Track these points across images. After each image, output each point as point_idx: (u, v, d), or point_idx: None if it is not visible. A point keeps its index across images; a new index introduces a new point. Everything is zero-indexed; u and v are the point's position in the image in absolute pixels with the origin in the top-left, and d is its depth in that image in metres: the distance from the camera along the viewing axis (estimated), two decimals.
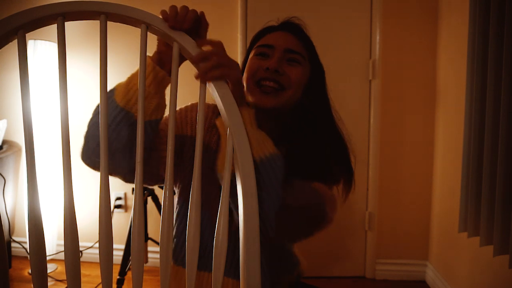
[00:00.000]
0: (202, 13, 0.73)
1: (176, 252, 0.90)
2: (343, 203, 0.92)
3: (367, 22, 2.25)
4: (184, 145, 0.89)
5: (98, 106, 0.74)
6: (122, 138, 0.73)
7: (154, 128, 0.78)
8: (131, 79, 0.76)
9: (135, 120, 0.73)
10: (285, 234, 0.80)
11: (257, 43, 0.94)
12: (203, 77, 0.66)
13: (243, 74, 0.92)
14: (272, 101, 0.86)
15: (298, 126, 0.90)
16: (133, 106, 0.74)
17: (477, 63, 1.42)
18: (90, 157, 0.76)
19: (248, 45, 0.99)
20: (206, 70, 0.66)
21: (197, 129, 0.64)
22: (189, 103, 0.95)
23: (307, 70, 0.92)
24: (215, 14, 2.37)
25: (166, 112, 0.86)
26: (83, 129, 0.77)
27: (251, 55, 0.93)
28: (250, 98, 0.87)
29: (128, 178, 0.79)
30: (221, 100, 0.66)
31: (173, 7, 0.68)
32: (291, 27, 0.95)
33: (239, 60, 2.33)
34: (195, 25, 0.70)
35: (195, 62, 0.67)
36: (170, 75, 0.76)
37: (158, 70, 0.75)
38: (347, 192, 0.93)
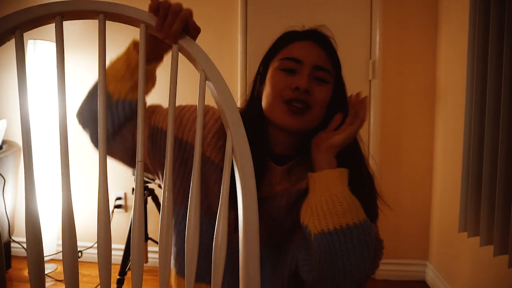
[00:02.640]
0: (191, 20, 0.67)
1: (177, 262, 0.87)
2: None
3: (367, 22, 2.25)
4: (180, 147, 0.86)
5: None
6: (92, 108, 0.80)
7: (127, 109, 0.80)
8: (111, 61, 0.80)
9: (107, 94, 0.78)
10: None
11: (281, 52, 0.84)
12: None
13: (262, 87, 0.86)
14: (298, 122, 0.80)
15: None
16: (109, 84, 0.79)
17: (477, 62, 1.42)
18: (82, 121, 0.84)
19: (274, 41, 0.88)
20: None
21: (197, 129, 0.63)
22: (188, 104, 0.90)
23: (331, 88, 0.85)
24: (215, 14, 2.37)
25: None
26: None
27: (274, 66, 0.84)
28: (274, 116, 0.81)
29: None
30: (220, 97, 0.65)
31: (163, 10, 0.64)
32: (320, 39, 0.85)
33: (238, 59, 2.33)
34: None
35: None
36: (155, 60, 0.81)
37: (132, 59, 0.79)
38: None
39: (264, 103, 0.84)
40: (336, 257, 0.70)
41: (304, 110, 0.80)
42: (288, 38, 0.85)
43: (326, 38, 0.86)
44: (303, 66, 0.81)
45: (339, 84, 0.87)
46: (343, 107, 0.85)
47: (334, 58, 0.85)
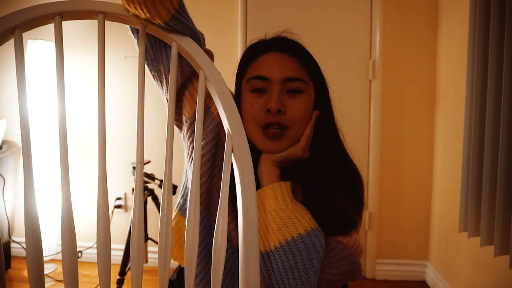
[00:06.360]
0: None
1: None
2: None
3: (367, 23, 2.25)
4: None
5: None
6: None
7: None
8: None
9: None
10: None
11: (249, 67, 0.80)
12: None
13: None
14: (278, 145, 0.77)
15: (309, 164, 0.80)
16: None
17: (477, 62, 1.42)
18: None
19: (240, 58, 0.84)
20: None
21: (196, 129, 0.63)
22: None
23: (311, 93, 0.79)
24: (215, 14, 2.37)
25: None
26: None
27: (244, 86, 0.80)
28: (254, 141, 0.78)
29: None
30: (219, 97, 0.65)
31: None
32: (285, 45, 0.79)
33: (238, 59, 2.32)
34: None
35: None
36: None
37: None
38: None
39: (244, 127, 0.79)
40: (281, 276, 0.68)
41: (281, 134, 0.76)
42: (253, 53, 0.81)
43: (292, 43, 0.80)
44: (271, 83, 0.76)
45: (320, 86, 0.82)
46: (327, 109, 0.83)
47: (306, 61, 0.79)
